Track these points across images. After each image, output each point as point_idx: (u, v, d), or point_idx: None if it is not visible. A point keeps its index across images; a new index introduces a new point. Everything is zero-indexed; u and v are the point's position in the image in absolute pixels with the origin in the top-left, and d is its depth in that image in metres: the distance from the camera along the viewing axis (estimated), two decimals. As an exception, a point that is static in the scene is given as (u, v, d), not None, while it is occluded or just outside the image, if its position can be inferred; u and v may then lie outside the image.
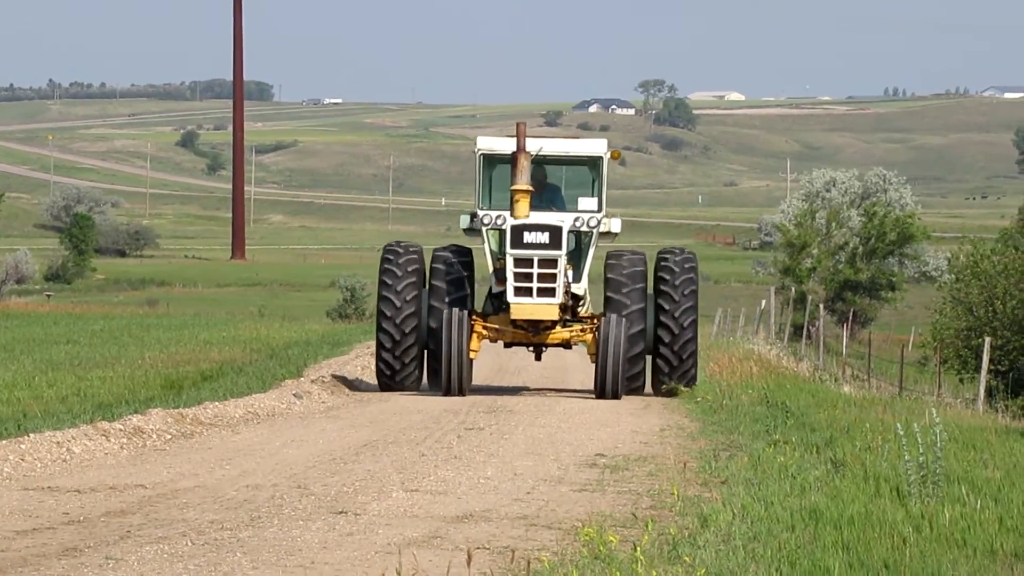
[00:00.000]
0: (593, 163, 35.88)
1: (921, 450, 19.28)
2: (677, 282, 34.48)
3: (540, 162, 34.89)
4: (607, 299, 34.07)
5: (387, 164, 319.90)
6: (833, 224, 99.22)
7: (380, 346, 34.83)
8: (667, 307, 34.23)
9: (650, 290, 34.65)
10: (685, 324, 34.27)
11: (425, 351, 34.78)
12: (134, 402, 30.43)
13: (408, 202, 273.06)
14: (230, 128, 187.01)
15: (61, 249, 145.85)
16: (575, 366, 38.97)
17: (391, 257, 34.93)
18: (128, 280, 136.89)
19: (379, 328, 34.85)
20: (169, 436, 25.79)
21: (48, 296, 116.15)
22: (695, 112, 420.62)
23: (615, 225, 34.99)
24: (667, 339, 34.20)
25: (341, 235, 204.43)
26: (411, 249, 35.28)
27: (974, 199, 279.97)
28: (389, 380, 34.80)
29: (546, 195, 35.10)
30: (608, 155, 35.93)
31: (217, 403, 30.41)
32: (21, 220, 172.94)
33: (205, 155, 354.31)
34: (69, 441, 23.86)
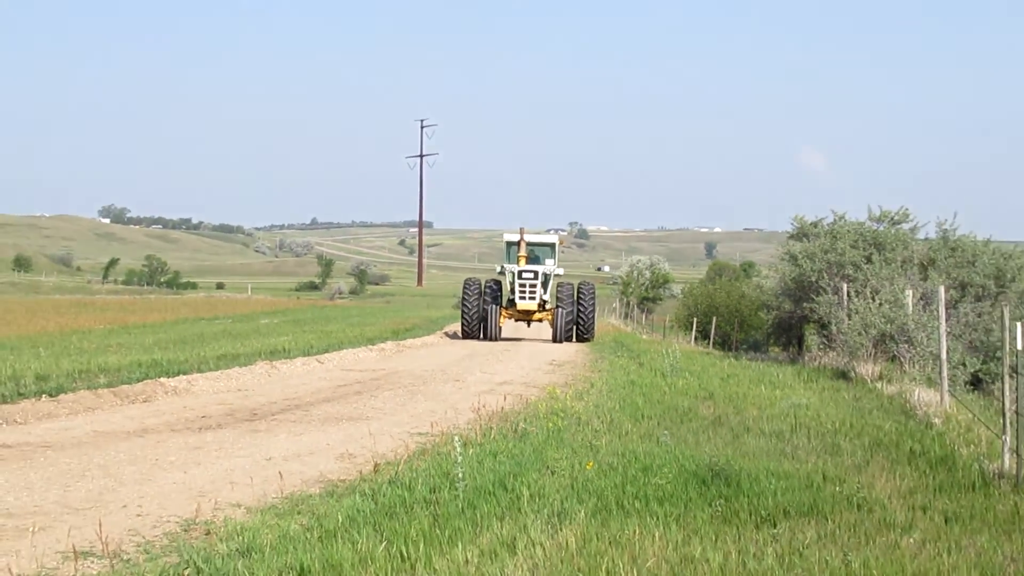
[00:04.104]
0: (552, 246, 34.94)
1: (671, 358, 19.26)
2: (586, 293, 33.45)
3: (530, 244, 34.09)
4: (557, 303, 33.04)
5: (476, 252, 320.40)
6: (638, 275, 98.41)
7: (462, 318, 33.02)
8: (582, 304, 33.11)
9: (575, 297, 33.29)
10: (589, 312, 33.13)
11: (481, 323, 32.79)
12: (379, 338, 30.35)
13: (482, 267, 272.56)
14: (416, 239, 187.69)
15: (353, 282, 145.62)
16: (544, 330, 38.74)
17: (468, 283, 34.05)
18: (379, 294, 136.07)
19: (462, 310, 33.28)
20: (394, 351, 25.77)
21: (349, 299, 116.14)
22: (590, 234, 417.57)
23: (560, 271, 34.16)
24: (581, 317, 33.09)
25: (457, 276, 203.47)
26: (474, 279, 34.26)
27: (691, 267, 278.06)
28: (467, 331, 32.69)
29: (532, 259, 34.07)
30: (559, 242, 35.53)
31: (412, 339, 30.41)
32: (339, 273, 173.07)
33: (407, 247, 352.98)
34: (356, 352, 23.87)
